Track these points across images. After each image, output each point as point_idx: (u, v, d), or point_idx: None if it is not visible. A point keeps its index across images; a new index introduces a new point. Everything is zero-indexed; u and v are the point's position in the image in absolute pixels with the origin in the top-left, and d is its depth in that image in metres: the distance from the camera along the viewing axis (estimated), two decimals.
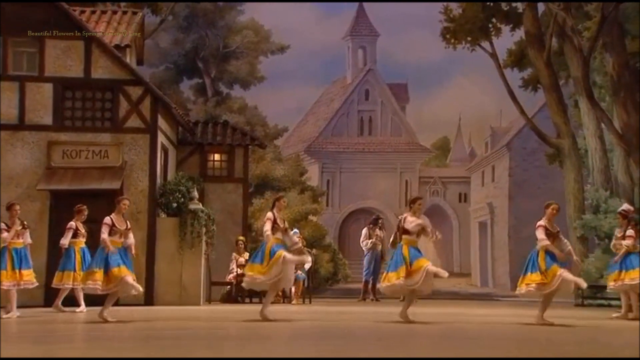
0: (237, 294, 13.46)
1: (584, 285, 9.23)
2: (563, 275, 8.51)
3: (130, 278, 8.42)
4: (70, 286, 10.42)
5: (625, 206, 11.29)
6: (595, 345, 6.52)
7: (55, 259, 11.28)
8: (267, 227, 8.34)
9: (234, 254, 13.63)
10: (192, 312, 10.61)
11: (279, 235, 8.41)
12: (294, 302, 13.31)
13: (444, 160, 32.18)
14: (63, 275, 10.42)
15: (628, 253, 10.29)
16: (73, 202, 11.57)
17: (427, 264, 8.13)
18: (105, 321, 8.18)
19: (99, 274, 8.30)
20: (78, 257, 10.39)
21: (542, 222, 8.73)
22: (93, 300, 10.49)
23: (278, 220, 8.41)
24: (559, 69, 18.34)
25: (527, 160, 26.06)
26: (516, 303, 15.68)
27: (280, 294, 13.67)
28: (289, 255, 8.25)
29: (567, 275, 8.62)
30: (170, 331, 7.55)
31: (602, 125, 16.91)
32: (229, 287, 13.60)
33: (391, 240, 14.62)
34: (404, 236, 8.40)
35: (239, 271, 13.48)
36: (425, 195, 29.00)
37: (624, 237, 10.40)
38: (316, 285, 15.42)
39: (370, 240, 14.18)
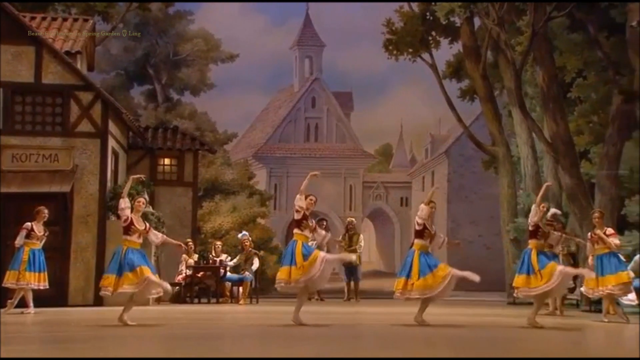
0: (186, 294, 13.82)
1: (592, 274, 9.12)
2: (565, 271, 8.30)
3: (154, 277, 8.08)
4: (15, 286, 10.35)
5: (553, 211, 12.16)
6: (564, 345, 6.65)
7: (5, 260, 11.37)
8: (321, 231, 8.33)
9: (184, 256, 13.97)
10: (149, 312, 10.76)
11: (307, 232, 8.23)
12: (241, 302, 13.71)
13: (387, 166, 33.13)
14: (9, 275, 10.37)
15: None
16: (22, 205, 11.72)
17: (450, 271, 8.14)
18: (125, 324, 7.96)
19: (111, 279, 7.99)
20: (25, 257, 10.31)
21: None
22: (40, 301, 10.61)
23: (308, 219, 8.26)
24: (493, 80, 19.08)
25: (464, 167, 27.12)
26: (454, 303, 16.34)
27: (228, 294, 14.12)
28: (329, 256, 8.22)
29: (568, 270, 8.52)
30: (168, 331, 7.65)
31: (533, 134, 17.66)
32: (177, 287, 13.95)
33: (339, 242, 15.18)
34: (416, 240, 8.35)
35: (188, 272, 13.87)
36: (369, 200, 29.87)
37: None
38: (263, 286, 15.85)
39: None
